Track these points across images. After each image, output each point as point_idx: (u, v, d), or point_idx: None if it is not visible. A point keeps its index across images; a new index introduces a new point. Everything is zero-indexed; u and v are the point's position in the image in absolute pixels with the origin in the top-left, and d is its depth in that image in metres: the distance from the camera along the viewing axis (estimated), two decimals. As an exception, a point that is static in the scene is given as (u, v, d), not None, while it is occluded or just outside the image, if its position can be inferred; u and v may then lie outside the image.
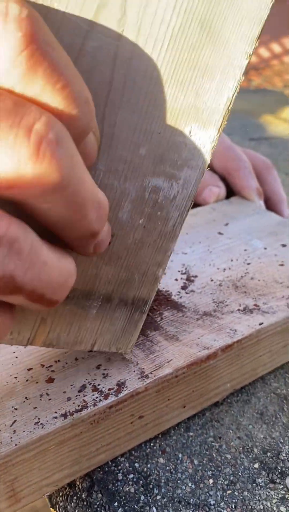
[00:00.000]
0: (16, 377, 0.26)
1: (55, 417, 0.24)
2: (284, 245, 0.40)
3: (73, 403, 0.25)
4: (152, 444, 0.29)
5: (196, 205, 0.49)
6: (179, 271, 0.36)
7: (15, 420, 0.24)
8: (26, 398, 0.25)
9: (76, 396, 0.25)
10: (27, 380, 0.26)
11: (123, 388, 0.26)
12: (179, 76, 0.20)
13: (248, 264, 0.37)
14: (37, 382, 0.26)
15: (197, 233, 0.42)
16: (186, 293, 0.34)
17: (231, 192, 0.50)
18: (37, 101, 0.14)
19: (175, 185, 0.22)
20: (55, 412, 0.24)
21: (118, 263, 0.23)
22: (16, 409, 0.24)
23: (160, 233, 0.23)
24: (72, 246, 0.19)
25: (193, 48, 0.19)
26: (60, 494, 0.27)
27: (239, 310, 0.32)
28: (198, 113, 0.21)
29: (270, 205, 0.51)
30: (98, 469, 0.27)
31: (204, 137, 0.21)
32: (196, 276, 0.36)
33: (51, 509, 0.28)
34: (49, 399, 0.25)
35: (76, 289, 0.22)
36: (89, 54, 0.18)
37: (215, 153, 0.51)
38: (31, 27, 0.14)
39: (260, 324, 0.30)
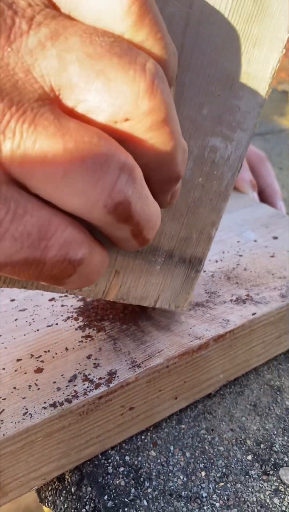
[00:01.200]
0: (4, 368, 0.26)
1: (44, 408, 0.23)
2: (275, 238, 0.39)
3: (63, 393, 0.24)
4: (143, 437, 0.28)
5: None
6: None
7: (3, 410, 0.23)
8: (14, 388, 0.24)
9: (66, 386, 0.25)
10: (15, 371, 0.26)
11: (114, 377, 0.25)
12: (235, 45, 0.22)
13: (240, 256, 0.36)
14: (25, 373, 0.25)
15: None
16: (178, 284, 0.33)
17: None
18: (142, 47, 0.16)
19: (229, 146, 0.24)
20: (44, 403, 0.24)
21: (180, 220, 0.25)
22: (4, 399, 0.24)
23: (215, 192, 0.25)
24: (156, 192, 0.19)
25: (247, 20, 0.22)
26: (49, 489, 0.27)
27: (231, 300, 0.31)
28: (249, 80, 0.23)
29: (264, 197, 0.51)
30: (88, 462, 0.27)
31: (254, 102, 0.24)
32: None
33: (44, 507, 0.27)
34: (38, 389, 0.24)
35: None
36: (166, 18, 0.20)
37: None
38: None
39: (253, 314, 0.30)
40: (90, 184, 0.15)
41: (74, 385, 0.25)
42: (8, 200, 0.15)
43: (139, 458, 0.27)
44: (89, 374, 0.25)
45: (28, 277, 0.17)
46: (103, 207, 0.16)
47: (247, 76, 0.23)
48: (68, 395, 0.24)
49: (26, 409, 0.23)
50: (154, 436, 0.28)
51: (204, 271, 0.34)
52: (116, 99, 0.15)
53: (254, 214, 0.43)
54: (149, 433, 0.28)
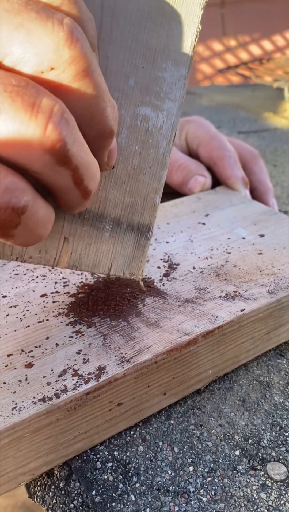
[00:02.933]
0: None
1: (34, 402, 0.23)
2: (264, 235, 0.39)
3: (53, 388, 0.24)
4: (132, 432, 0.28)
5: (181, 194, 0.49)
6: (161, 259, 0.36)
7: None
8: (4, 383, 0.25)
9: (56, 381, 0.25)
10: (6, 366, 0.26)
11: (103, 373, 0.25)
12: (153, 19, 0.24)
13: (229, 253, 0.36)
14: (15, 368, 0.26)
15: (181, 222, 0.41)
16: (168, 280, 0.33)
17: (217, 182, 0.50)
18: (58, 9, 0.17)
19: (160, 115, 0.26)
20: (34, 397, 0.24)
21: (122, 187, 0.26)
22: None
23: (153, 160, 0.27)
24: (92, 150, 0.20)
25: None
26: (38, 484, 0.27)
27: (220, 297, 0.31)
28: (171, 53, 0.25)
29: (256, 195, 0.51)
30: (77, 457, 0.27)
31: (178, 73, 0.25)
32: (178, 264, 0.35)
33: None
34: (28, 384, 0.24)
35: (90, 210, 0.26)
36: None
37: (201, 143, 0.51)
38: None
39: (242, 310, 0.30)
40: (23, 123, 0.16)
41: (64, 380, 0.25)
42: None
43: (128, 454, 0.27)
44: (78, 369, 0.25)
45: None
46: (39, 145, 0.17)
47: (168, 49, 0.25)
48: (58, 390, 0.24)
49: (16, 403, 0.23)
50: (142, 431, 0.28)
51: (194, 268, 0.35)
52: (39, 48, 0.16)
53: (246, 211, 0.43)
54: (138, 429, 0.28)
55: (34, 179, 0.19)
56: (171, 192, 0.50)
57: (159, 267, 0.35)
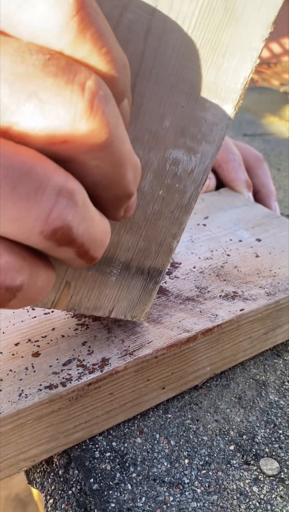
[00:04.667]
0: (1, 352, 0.27)
1: (40, 389, 0.24)
2: (266, 237, 0.40)
3: (58, 376, 0.25)
4: (130, 424, 0.29)
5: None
6: (164, 258, 0.37)
7: (0, 390, 0.24)
8: (10, 370, 0.25)
9: (62, 370, 0.26)
10: (13, 354, 0.26)
11: (107, 364, 0.26)
12: (202, 54, 0.21)
13: (228, 255, 0.37)
14: (22, 357, 0.26)
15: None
16: (170, 278, 0.34)
17: (221, 184, 0.51)
18: (84, 63, 0.15)
19: (193, 159, 0.23)
20: (40, 385, 0.25)
21: (138, 232, 0.24)
22: (1, 380, 0.25)
23: (177, 205, 0.24)
24: (107, 209, 0.19)
25: (217, 28, 0.21)
26: (38, 471, 0.28)
27: (221, 296, 0.32)
28: (218, 91, 0.22)
29: (259, 198, 0.51)
30: (76, 446, 0.28)
31: (222, 113, 0.23)
32: (180, 263, 0.36)
33: (34, 493, 0.28)
34: (34, 372, 0.25)
35: None
36: (125, 25, 0.19)
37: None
38: None
39: (241, 310, 0.31)
40: (23, 212, 0.15)
41: (69, 369, 0.26)
42: None
43: (126, 445, 0.28)
44: (83, 360, 0.26)
45: None
46: (39, 233, 0.15)
47: (215, 87, 0.22)
48: (63, 379, 0.25)
49: (22, 390, 0.24)
50: (140, 424, 0.29)
51: (194, 267, 0.35)
52: (52, 122, 0.14)
53: (248, 214, 0.44)
54: (136, 421, 0.29)
55: None
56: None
57: (161, 265, 0.36)
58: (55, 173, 0.15)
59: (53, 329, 0.28)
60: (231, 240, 0.40)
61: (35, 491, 0.63)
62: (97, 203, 0.18)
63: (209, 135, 0.23)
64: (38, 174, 0.14)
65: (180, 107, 0.22)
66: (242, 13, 0.21)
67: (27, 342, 0.27)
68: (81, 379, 0.25)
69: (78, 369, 0.26)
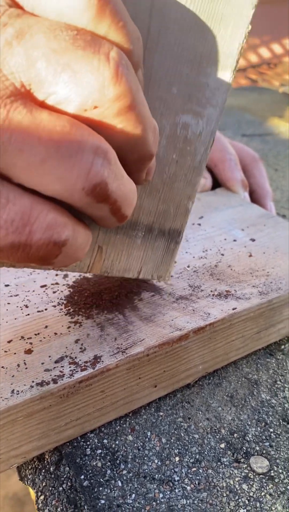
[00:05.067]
0: None
1: (32, 386, 0.24)
2: (260, 237, 0.40)
3: (50, 374, 0.25)
4: (121, 422, 0.29)
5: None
6: (158, 257, 0.37)
7: None
8: (2, 367, 0.26)
9: (54, 367, 0.26)
10: (5, 352, 0.27)
11: (98, 362, 0.26)
12: (201, 24, 0.23)
13: (222, 254, 0.37)
14: (15, 353, 0.26)
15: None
16: (164, 277, 0.34)
17: (217, 184, 0.51)
18: (105, 37, 0.17)
19: (200, 122, 0.25)
20: (32, 382, 0.25)
21: (157, 195, 0.26)
22: None
23: (189, 167, 0.26)
24: (131, 171, 0.20)
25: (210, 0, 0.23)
26: (29, 468, 0.28)
27: (214, 295, 0.32)
28: (217, 57, 0.24)
29: (255, 198, 0.52)
30: (68, 443, 0.28)
31: (222, 78, 0.24)
32: (174, 262, 0.36)
33: (31, 493, 0.28)
34: (26, 369, 0.25)
35: None
36: (131, 2, 0.20)
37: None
38: None
39: (234, 309, 0.31)
40: (67, 170, 0.16)
41: (62, 367, 0.26)
42: None
43: (117, 442, 0.28)
44: (76, 358, 0.26)
45: (17, 259, 0.18)
46: (81, 189, 0.17)
47: (214, 53, 0.24)
48: (55, 376, 0.25)
49: (13, 387, 0.24)
50: (132, 422, 0.29)
51: (188, 266, 0.36)
52: (84, 89, 0.16)
53: (244, 214, 0.44)
54: (128, 419, 0.29)
55: None
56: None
57: (155, 264, 0.36)
58: (90, 135, 0.17)
59: (46, 326, 0.29)
60: (225, 239, 0.40)
61: (32, 491, 0.63)
62: (122, 166, 0.20)
63: (212, 99, 0.25)
64: (77, 136, 0.16)
65: (185, 74, 0.23)
66: None
67: (20, 339, 0.27)
68: (73, 376, 0.25)
69: (70, 367, 0.26)
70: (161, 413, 0.30)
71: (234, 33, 0.24)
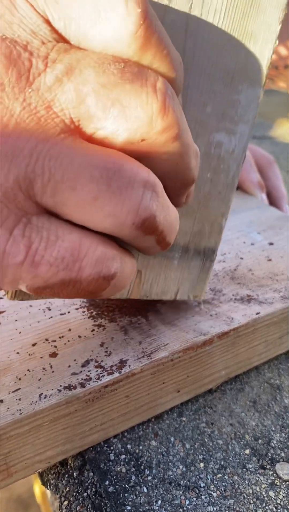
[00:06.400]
0: (18, 352, 0.27)
1: (59, 390, 0.24)
2: (279, 240, 0.40)
3: (77, 378, 0.25)
4: (144, 427, 0.29)
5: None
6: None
7: (19, 389, 0.24)
8: (28, 370, 0.25)
9: (80, 371, 0.25)
10: (30, 355, 0.26)
11: (125, 365, 0.26)
12: (233, 42, 0.23)
13: (242, 257, 0.37)
14: (41, 357, 0.26)
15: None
16: (185, 280, 0.34)
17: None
18: (149, 67, 0.17)
19: (233, 139, 0.25)
20: (60, 386, 0.24)
21: (192, 215, 0.26)
22: (19, 379, 0.25)
23: (223, 184, 0.26)
24: (172, 196, 0.20)
25: (242, 17, 0.23)
26: (52, 472, 0.28)
27: (236, 299, 0.32)
28: (247, 73, 0.24)
29: (270, 200, 0.51)
30: (91, 449, 0.28)
31: (253, 94, 0.25)
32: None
33: (36, 497, 0.28)
34: (52, 372, 0.25)
35: None
36: (167, 25, 0.21)
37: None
38: (144, 2, 0.16)
39: (257, 313, 0.31)
40: (118, 206, 0.16)
41: (89, 371, 0.25)
42: (40, 230, 0.16)
43: (141, 447, 0.28)
44: (102, 361, 0.26)
45: (66, 295, 0.18)
46: (131, 224, 0.17)
47: (245, 70, 0.24)
48: (82, 380, 0.25)
49: (42, 391, 0.24)
50: (155, 427, 0.29)
51: None
52: (133, 123, 0.16)
53: (261, 216, 0.44)
54: (150, 424, 0.29)
55: None
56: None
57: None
58: (140, 168, 0.17)
59: (70, 329, 0.28)
60: (244, 243, 0.39)
61: (38, 494, 0.63)
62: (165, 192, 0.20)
63: (244, 116, 0.25)
64: (127, 171, 0.16)
65: (218, 93, 0.24)
66: (260, 0, 0.23)
67: (44, 342, 0.27)
68: (100, 380, 0.25)
69: (96, 370, 0.25)
70: (184, 418, 0.30)
71: (263, 48, 0.24)
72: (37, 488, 0.62)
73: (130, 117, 0.16)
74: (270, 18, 0.23)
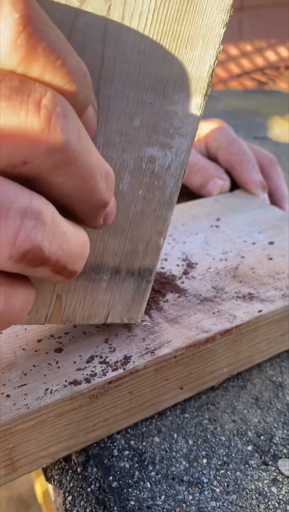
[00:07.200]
0: (24, 348, 0.27)
1: (65, 386, 0.24)
2: (280, 240, 0.40)
3: (82, 374, 0.25)
4: (147, 423, 0.29)
5: (200, 196, 0.50)
6: (179, 258, 0.37)
7: (25, 384, 0.24)
8: (34, 365, 0.26)
9: (85, 367, 0.26)
10: (36, 351, 0.27)
11: (129, 361, 0.26)
12: (164, 47, 0.20)
13: (242, 257, 0.37)
14: (47, 353, 0.27)
15: (198, 223, 0.42)
16: (187, 278, 0.34)
17: (235, 186, 0.51)
18: (39, 79, 0.15)
19: (168, 154, 0.23)
20: (65, 381, 0.25)
21: (123, 235, 0.24)
22: (25, 374, 0.25)
23: (159, 202, 0.24)
24: (84, 219, 0.19)
25: (175, 20, 0.20)
26: (56, 468, 0.28)
27: (238, 297, 0.32)
28: (184, 82, 0.21)
29: (273, 200, 0.51)
30: (94, 444, 0.28)
31: (192, 104, 0.22)
32: (196, 264, 0.36)
33: (37, 496, 0.28)
34: (58, 368, 0.25)
35: (86, 263, 0.23)
36: (80, 30, 0.18)
37: (220, 146, 0.52)
38: (26, 7, 0.14)
39: (259, 311, 0.31)
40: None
41: (94, 366, 0.26)
42: None
43: (144, 443, 0.28)
44: (106, 357, 0.26)
45: None
46: (8, 258, 0.15)
47: (181, 78, 0.21)
48: (87, 375, 0.25)
49: (47, 386, 0.24)
50: (158, 423, 0.29)
51: (209, 268, 0.35)
52: (8, 145, 0.14)
53: (263, 216, 0.44)
54: (153, 420, 0.29)
55: None
56: (188, 193, 0.51)
57: (178, 265, 0.36)
58: (18, 194, 0.15)
59: (75, 326, 0.29)
60: (245, 242, 0.40)
61: (39, 494, 0.63)
62: (73, 215, 0.18)
63: (181, 128, 0.23)
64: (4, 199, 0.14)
65: (148, 103, 0.21)
66: (198, 0, 0.20)
67: (49, 338, 0.28)
68: (105, 375, 0.25)
69: (101, 366, 0.26)
70: (186, 415, 0.30)
71: (203, 54, 0.21)
72: (39, 487, 0.62)
73: (6, 139, 0.14)
74: (212, 20, 0.21)
